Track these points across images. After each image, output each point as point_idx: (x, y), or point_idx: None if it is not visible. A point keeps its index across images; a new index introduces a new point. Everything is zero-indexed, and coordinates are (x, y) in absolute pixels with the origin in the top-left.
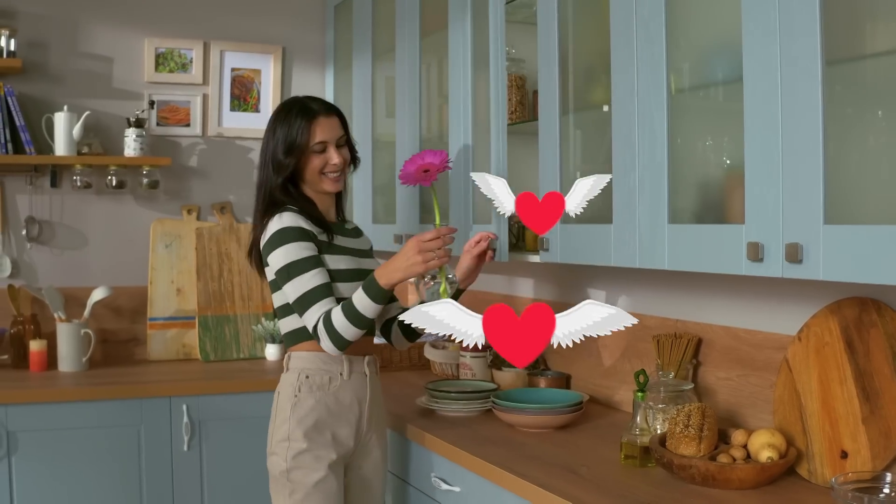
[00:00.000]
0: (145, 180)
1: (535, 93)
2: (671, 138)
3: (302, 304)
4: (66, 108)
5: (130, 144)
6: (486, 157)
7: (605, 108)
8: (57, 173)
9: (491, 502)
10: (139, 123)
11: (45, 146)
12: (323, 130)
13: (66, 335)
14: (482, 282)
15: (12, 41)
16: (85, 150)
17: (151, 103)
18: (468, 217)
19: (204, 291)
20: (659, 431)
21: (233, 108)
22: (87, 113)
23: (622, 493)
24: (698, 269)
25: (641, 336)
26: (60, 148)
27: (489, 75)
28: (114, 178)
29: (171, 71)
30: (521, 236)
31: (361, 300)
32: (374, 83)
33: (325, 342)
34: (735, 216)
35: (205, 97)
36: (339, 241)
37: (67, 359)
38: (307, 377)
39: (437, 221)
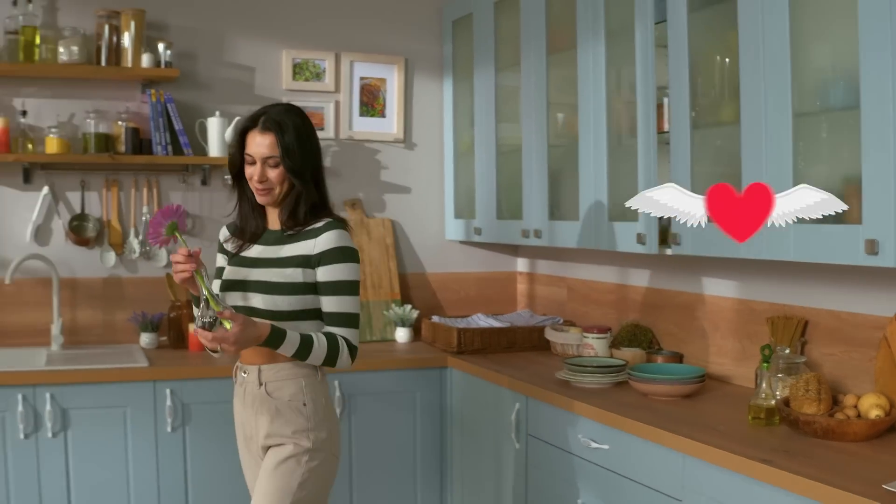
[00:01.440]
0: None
1: (660, 106)
2: (795, 153)
3: None
4: (217, 113)
5: None
6: (614, 165)
7: (734, 125)
8: (207, 172)
9: (640, 456)
10: None
11: (199, 148)
12: (250, 144)
13: None
14: (597, 272)
15: (168, 52)
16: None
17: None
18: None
19: None
20: (779, 396)
21: (361, 114)
22: (238, 118)
23: (758, 444)
24: (821, 261)
25: (750, 319)
26: (213, 149)
27: (620, 90)
28: None
29: (306, 79)
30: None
31: None
32: (498, 93)
33: None
34: (852, 218)
35: (337, 103)
36: (253, 251)
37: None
38: None
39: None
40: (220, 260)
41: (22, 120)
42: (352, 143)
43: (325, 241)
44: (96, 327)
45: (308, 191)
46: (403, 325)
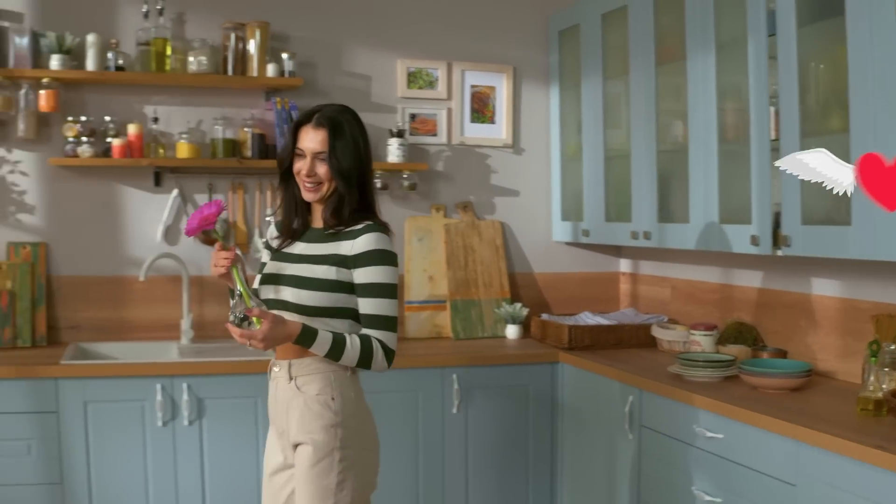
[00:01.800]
0: (405, 182)
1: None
2: None
3: None
4: None
5: (393, 152)
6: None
7: (843, 134)
8: None
9: (755, 444)
10: (400, 134)
11: None
12: (303, 138)
13: None
14: (700, 272)
15: (291, 62)
16: None
17: (413, 116)
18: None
19: (453, 279)
20: (885, 388)
21: (472, 120)
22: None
23: (869, 432)
24: None
25: (854, 317)
26: None
27: (730, 98)
28: (378, 181)
29: (420, 87)
30: None
31: None
32: (605, 100)
33: None
34: None
35: (449, 110)
36: (293, 247)
37: None
38: None
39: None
40: (265, 255)
41: (154, 126)
42: (463, 149)
43: (362, 244)
44: (222, 322)
45: (350, 193)
46: (514, 322)
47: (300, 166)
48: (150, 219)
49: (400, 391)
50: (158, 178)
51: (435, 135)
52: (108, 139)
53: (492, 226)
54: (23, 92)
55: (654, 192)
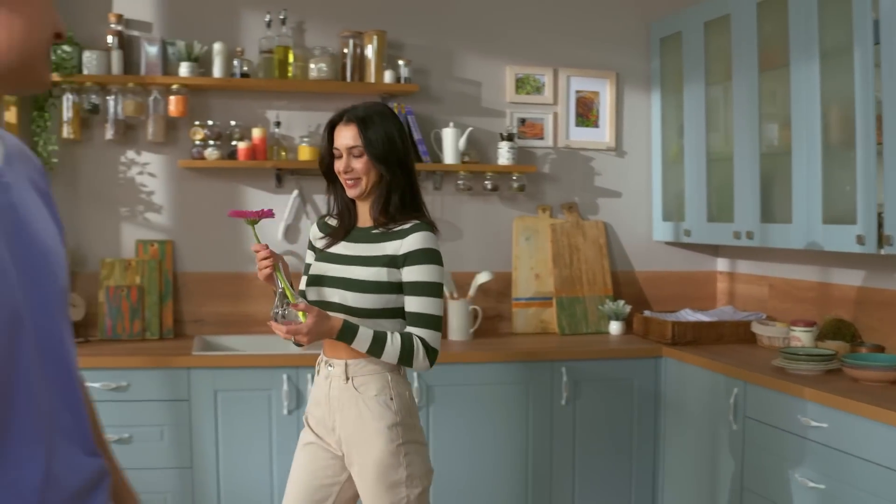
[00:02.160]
0: (515, 184)
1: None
2: None
3: None
4: (451, 124)
5: (503, 155)
6: (827, 173)
7: None
8: (439, 178)
9: (859, 433)
10: (510, 137)
11: (434, 156)
12: (336, 137)
13: (456, 310)
14: (798, 271)
15: (407, 69)
16: (466, 159)
17: (521, 121)
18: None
19: (559, 277)
20: None
21: (577, 124)
22: (470, 129)
23: None
24: None
25: None
26: (448, 157)
27: (833, 104)
28: (489, 182)
29: (527, 93)
30: None
31: None
32: (708, 105)
33: None
34: None
35: (555, 115)
36: (340, 248)
37: (457, 329)
38: None
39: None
40: (309, 257)
41: (276, 130)
42: (568, 152)
43: (411, 242)
44: None
45: (395, 180)
46: (617, 318)
47: (339, 165)
48: (271, 218)
49: (511, 384)
50: (279, 180)
51: (542, 138)
52: (234, 142)
53: (595, 226)
54: (152, 98)
55: (757, 193)
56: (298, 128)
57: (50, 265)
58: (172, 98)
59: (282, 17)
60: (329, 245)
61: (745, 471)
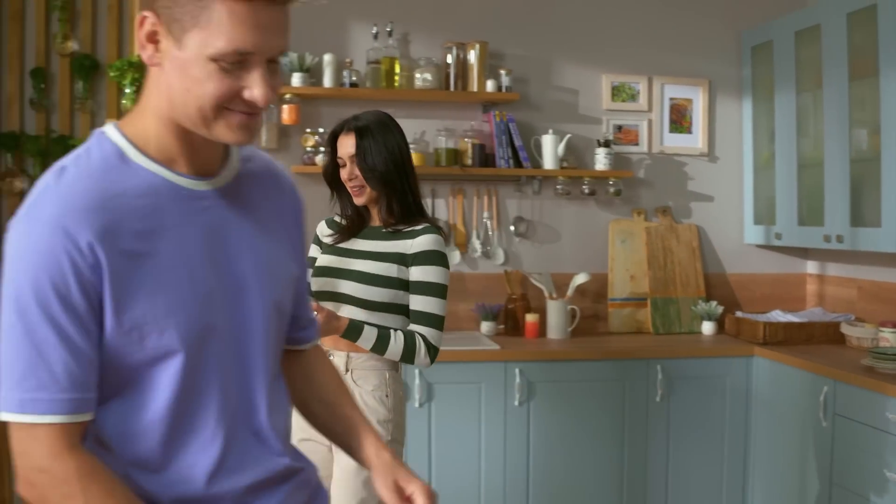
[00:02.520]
0: (611, 189)
1: None
2: None
3: None
4: (550, 131)
5: (600, 160)
6: None
7: None
8: (538, 183)
9: None
10: (606, 143)
11: (534, 161)
12: (339, 146)
13: (555, 310)
14: (888, 274)
15: (507, 78)
16: (564, 164)
17: (619, 128)
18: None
19: (653, 278)
20: None
21: (671, 130)
22: (568, 136)
23: None
24: None
25: None
26: (548, 163)
27: None
28: (586, 187)
29: (623, 100)
30: None
31: None
32: (798, 112)
33: None
34: None
35: (649, 121)
36: (352, 244)
37: (556, 328)
38: None
39: None
40: (314, 251)
41: None
42: (662, 157)
43: (421, 243)
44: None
45: (390, 191)
46: (709, 319)
47: (344, 174)
48: None
49: (608, 380)
50: None
51: (637, 144)
52: None
53: (688, 229)
54: None
55: (847, 197)
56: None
57: (247, 283)
58: (285, 107)
59: (388, 29)
60: (339, 241)
61: (834, 467)
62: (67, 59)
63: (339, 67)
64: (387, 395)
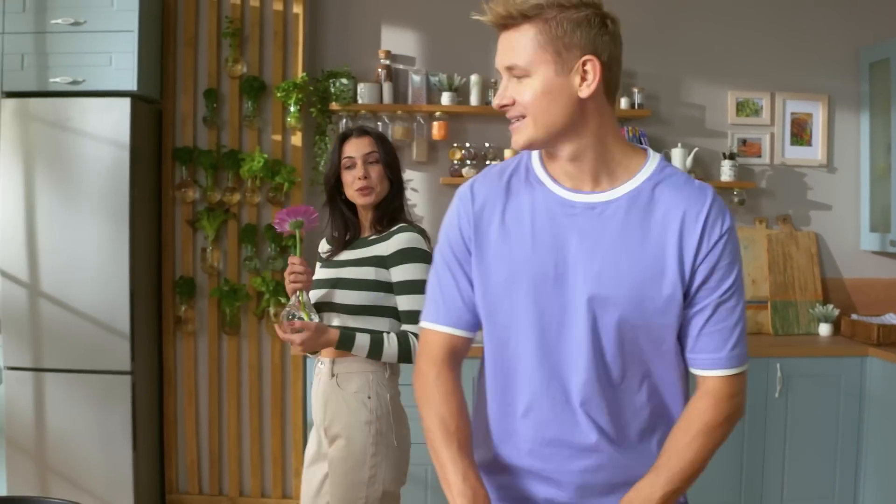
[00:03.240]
0: (735, 198)
1: None
2: None
3: None
4: (679, 144)
5: (726, 172)
6: None
7: None
8: None
9: None
10: (731, 156)
11: None
12: (350, 147)
13: None
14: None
15: (640, 96)
16: (692, 176)
17: (743, 141)
18: None
19: (773, 282)
20: None
21: (792, 143)
22: (696, 149)
23: None
24: None
25: None
26: None
27: None
28: None
29: (746, 115)
30: None
31: None
32: None
33: None
34: None
35: (772, 135)
36: (342, 255)
37: None
38: None
39: (298, 253)
40: (317, 268)
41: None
42: (783, 168)
43: (396, 243)
44: None
45: (398, 189)
46: (826, 321)
47: (353, 175)
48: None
49: None
50: None
51: (759, 156)
52: (487, 161)
53: (807, 236)
54: (416, 123)
55: None
56: None
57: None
58: (435, 123)
59: None
60: (333, 254)
61: None
62: (237, 81)
63: (484, 87)
64: (369, 397)
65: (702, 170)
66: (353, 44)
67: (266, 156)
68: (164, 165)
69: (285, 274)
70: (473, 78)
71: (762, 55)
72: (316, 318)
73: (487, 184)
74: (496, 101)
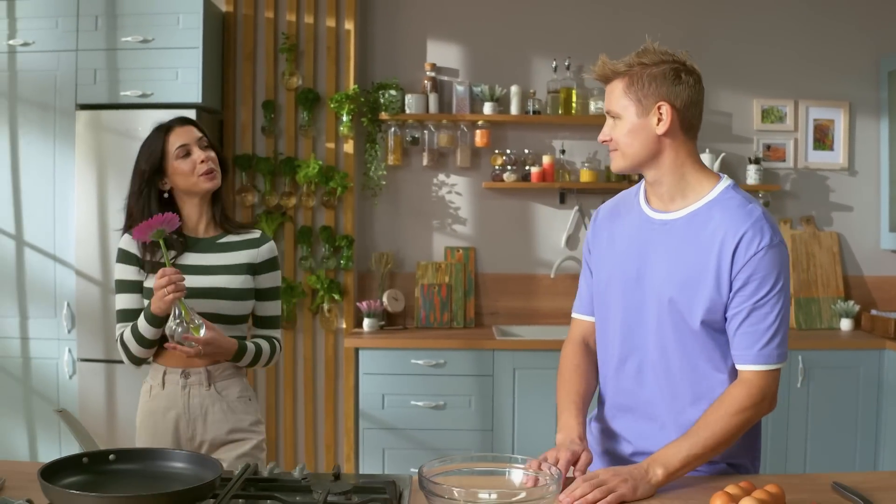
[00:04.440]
0: (761, 200)
1: None
2: None
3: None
4: (707, 150)
5: (752, 175)
6: None
7: None
8: None
9: None
10: (757, 161)
11: None
12: (179, 136)
13: None
14: None
15: None
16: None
17: (767, 146)
18: None
19: (797, 280)
20: None
21: (814, 148)
22: (723, 154)
23: None
24: None
25: None
26: None
27: None
28: None
29: (771, 122)
30: None
31: (142, 322)
32: None
33: (122, 356)
34: None
35: (795, 140)
36: (190, 258)
37: None
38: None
39: (167, 264)
40: (129, 272)
41: (561, 156)
42: (806, 172)
43: (268, 250)
44: None
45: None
46: (847, 316)
47: (191, 161)
48: (555, 229)
49: None
50: (563, 198)
51: (784, 161)
52: (527, 167)
53: (829, 236)
54: (460, 131)
55: None
56: (580, 154)
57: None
58: (478, 131)
59: (566, 63)
60: (176, 258)
61: None
62: (293, 93)
63: (524, 97)
64: (250, 399)
65: (729, 173)
66: (400, 57)
67: (321, 162)
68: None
69: (158, 287)
70: (514, 88)
71: (786, 65)
72: (203, 327)
73: (603, 212)
74: (601, 137)
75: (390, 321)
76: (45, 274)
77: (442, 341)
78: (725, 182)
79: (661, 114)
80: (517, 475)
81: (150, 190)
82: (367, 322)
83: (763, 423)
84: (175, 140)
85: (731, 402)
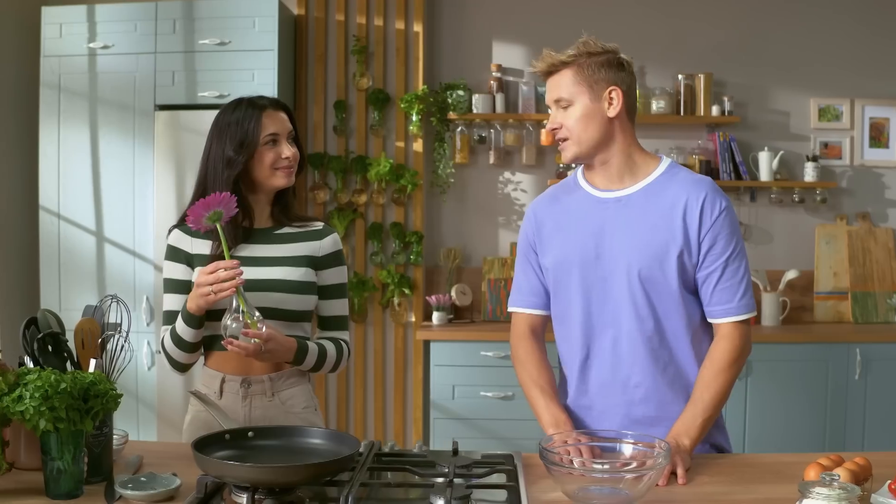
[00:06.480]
0: (818, 197)
1: None
2: None
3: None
4: (766, 148)
5: (809, 173)
6: None
7: None
8: (755, 193)
9: None
10: (814, 158)
11: (752, 175)
12: (273, 122)
13: (769, 301)
14: None
15: (729, 103)
16: (777, 176)
17: (825, 144)
18: None
19: (853, 275)
20: None
21: (871, 146)
22: (781, 152)
23: None
24: None
25: None
26: (763, 175)
27: None
28: (796, 196)
29: (828, 120)
30: None
31: (179, 323)
32: None
33: (166, 362)
34: None
35: (851, 138)
36: (247, 249)
37: (770, 316)
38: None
39: (227, 256)
40: (179, 271)
41: None
42: (862, 169)
43: (331, 243)
44: None
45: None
46: None
47: (275, 152)
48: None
49: (814, 361)
50: None
51: (840, 158)
52: None
53: (885, 232)
54: (525, 131)
55: None
56: None
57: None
58: (542, 130)
59: None
60: (231, 249)
61: None
62: (363, 93)
63: None
64: (315, 409)
65: (787, 171)
66: (467, 58)
67: (391, 160)
68: None
69: (202, 283)
70: None
71: (842, 64)
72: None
73: (539, 202)
74: (548, 126)
75: (458, 315)
76: (124, 268)
77: (506, 334)
78: (667, 160)
79: (612, 98)
80: (627, 448)
81: (235, 174)
82: (436, 315)
83: (823, 411)
84: (268, 125)
85: (720, 357)
